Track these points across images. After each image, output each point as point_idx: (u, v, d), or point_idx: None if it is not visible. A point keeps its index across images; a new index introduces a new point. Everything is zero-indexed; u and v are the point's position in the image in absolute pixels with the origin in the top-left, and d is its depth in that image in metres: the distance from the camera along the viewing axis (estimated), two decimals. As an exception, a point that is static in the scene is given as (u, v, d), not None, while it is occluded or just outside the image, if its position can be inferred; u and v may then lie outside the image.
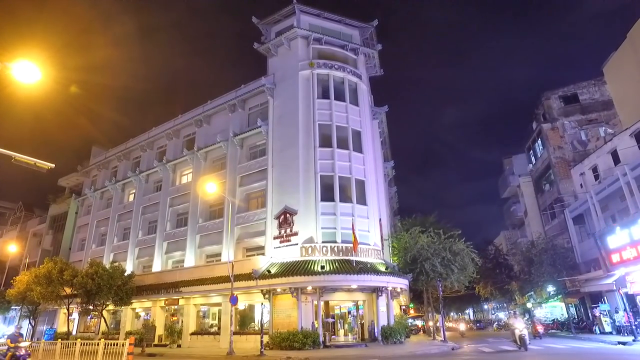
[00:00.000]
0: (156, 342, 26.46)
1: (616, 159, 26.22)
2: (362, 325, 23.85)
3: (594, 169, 28.95)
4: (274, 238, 24.68)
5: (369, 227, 25.26)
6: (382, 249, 26.64)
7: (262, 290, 22.45)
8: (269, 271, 22.48)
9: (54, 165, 10.04)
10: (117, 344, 14.55)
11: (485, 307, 66.70)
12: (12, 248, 34.84)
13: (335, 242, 23.66)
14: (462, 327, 38.10)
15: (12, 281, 29.97)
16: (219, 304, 24.92)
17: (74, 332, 31.22)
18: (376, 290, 22.72)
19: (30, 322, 32.88)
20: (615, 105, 32.15)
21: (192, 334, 25.48)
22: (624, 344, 17.79)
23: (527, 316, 43.47)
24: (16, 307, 34.48)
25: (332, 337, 23.34)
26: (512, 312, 32.64)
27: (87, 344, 16.08)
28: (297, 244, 23.66)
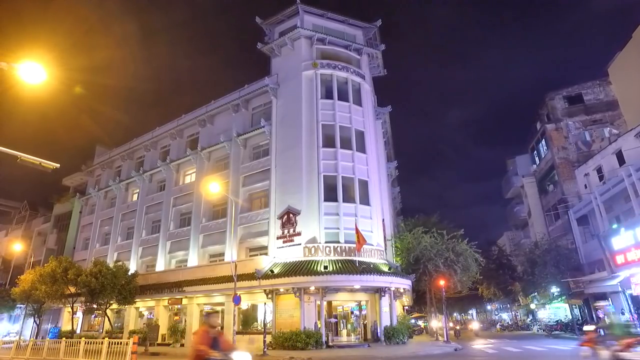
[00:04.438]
0: (159, 341, 26.55)
1: (621, 160, 26.07)
2: (364, 325, 23.83)
3: (599, 170, 28.78)
4: (277, 238, 24.71)
5: (372, 227, 25.23)
6: (385, 249, 26.62)
7: (265, 290, 22.48)
8: (271, 271, 22.51)
9: (59, 165, 10.08)
10: (120, 343, 14.63)
11: (489, 307, 66.42)
12: (17, 247, 35.09)
13: (338, 242, 23.66)
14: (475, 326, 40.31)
15: (17, 280, 30.17)
16: (221, 304, 24.95)
17: (78, 331, 31.41)
18: (379, 291, 22.69)
19: (34, 321, 33.08)
20: (620, 106, 31.97)
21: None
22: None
23: (530, 317, 43.38)
24: (21, 306, 34.72)
25: (335, 337, 23.34)
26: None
27: (91, 343, 16.20)
28: (300, 244, 23.69)
